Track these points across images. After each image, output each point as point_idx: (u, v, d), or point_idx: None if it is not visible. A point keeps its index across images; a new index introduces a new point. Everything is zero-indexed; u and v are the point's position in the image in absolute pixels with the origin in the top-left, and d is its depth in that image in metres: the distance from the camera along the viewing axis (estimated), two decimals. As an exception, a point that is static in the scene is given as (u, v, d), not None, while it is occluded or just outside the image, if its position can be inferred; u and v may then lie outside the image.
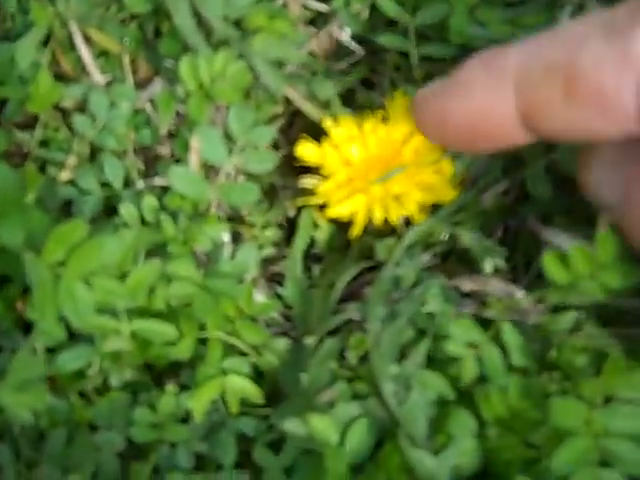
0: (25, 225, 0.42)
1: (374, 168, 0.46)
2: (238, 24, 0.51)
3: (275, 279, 0.50)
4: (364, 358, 0.42)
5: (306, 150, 0.46)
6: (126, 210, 0.46)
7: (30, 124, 0.51)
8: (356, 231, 0.46)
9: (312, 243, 0.51)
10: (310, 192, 0.47)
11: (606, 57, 0.28)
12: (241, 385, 0.44)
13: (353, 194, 0.46)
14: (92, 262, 0.41)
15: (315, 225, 0.50)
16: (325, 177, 0.46)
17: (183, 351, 0.43)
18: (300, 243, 0.50)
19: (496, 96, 0.35)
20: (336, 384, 0.41)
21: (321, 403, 0.40)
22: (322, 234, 0.50)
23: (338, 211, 0.46)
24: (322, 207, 0.47)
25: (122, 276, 0.42)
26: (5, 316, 0.44)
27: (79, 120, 0.49)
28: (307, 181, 0.47)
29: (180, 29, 0.50)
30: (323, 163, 0.46)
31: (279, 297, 0.49)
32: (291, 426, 0.39)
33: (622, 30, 0.29)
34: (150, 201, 0.46)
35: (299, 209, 0.50)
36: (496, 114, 0.35)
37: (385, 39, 0.50)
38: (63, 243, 0.41)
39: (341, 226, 0.48)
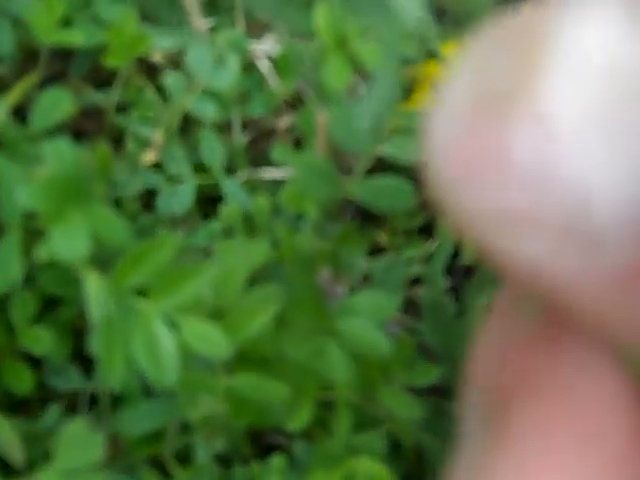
0: (90, 231, 0.32)
1: None
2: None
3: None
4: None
5: None
6: (228, 211, 0.35)
7: (105, 81, 0.41)
8: None
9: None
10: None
11: None
12: (373, 470, 0.33)
13: None
14: (181, 294, 0.30)
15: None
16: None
17: (298, 419, 0.33)
18: (441, 256, 0.40)
19: None
20: None
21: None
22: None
23: None
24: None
25: (220, 313, 0.31)
26: (57, 349, 0.33)
27: (172, 79, 0.37)
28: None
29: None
30: None
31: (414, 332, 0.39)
32: None
33: None
34: (261, 201, 0.35)
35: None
36: None
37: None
38: (144, 264, 0.31)
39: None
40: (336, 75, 0.36)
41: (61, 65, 0.41)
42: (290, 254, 0.35)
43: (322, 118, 0.36)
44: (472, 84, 0.12)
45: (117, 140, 0.41)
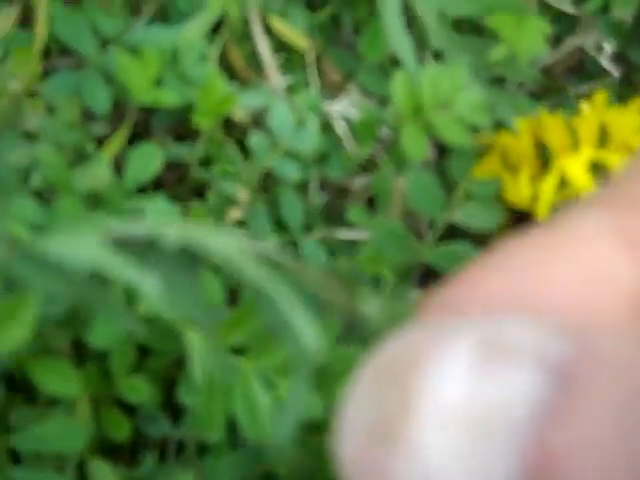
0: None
1: None
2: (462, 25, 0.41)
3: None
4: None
5: None
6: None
7: (185, 134, 0.43)
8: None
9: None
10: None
11: None
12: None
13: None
14: (277, 355, 0.33)
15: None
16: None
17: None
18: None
19: None
20: None
21: None
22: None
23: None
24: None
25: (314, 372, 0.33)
26: (151, 397, 0.36)
27: (256, 140, 0.40)
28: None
29: (388, 26, 0.41)
30: None
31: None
32: None
33: None
34: (341, 263, 0.37)
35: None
36: None
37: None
38: (243, 325, 0.33)
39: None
40: (413, 144, 0.38)
41: (145, 119, 0.44)
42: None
43: (399, 184, 0.39)
44: (364, 412, 0.13)
45: (198, 192, 0.43)
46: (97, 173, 0.36)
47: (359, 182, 0.42)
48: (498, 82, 0.43)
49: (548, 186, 0.40)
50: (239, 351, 0.33)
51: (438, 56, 0.41)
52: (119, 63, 0.39)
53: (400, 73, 0.38)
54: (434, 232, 0.39)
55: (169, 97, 0.39)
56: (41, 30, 0.37)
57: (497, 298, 0.15)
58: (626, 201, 0.15)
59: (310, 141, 0.40)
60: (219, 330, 0.33)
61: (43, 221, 0.36)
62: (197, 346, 0.33)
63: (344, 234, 0.40)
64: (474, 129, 0.38)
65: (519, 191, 0.40)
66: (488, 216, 0.39)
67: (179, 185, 0.43)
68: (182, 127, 0.44)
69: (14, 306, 0.31)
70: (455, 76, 0.37)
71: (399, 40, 0.39)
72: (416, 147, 0.38)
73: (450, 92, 0.38)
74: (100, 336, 0.35)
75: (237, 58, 0.44)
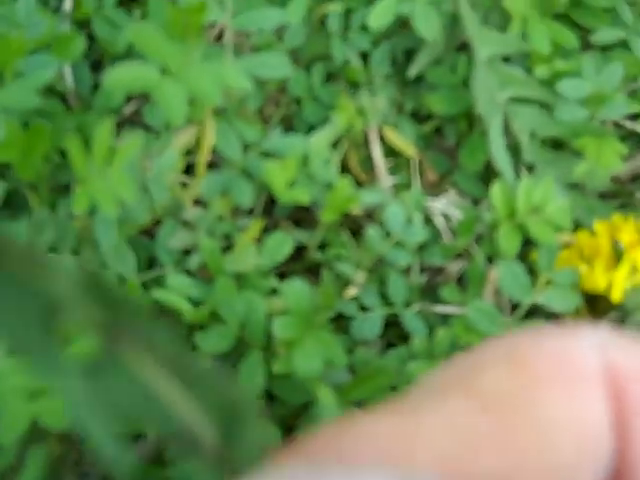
0: (321, 354, 0.42)
1: None
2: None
3: None
4: None
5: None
6: (417, 343, 0.44)
7: (301, 218, 0.51)
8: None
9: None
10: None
11: None
12: None
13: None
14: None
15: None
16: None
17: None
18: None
19: None
20: None
21: None
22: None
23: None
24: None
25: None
26: (277, 438, 0.43)
27: (373, 232, 0.48)
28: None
29: (492, 143, 0.49)
30: None
31: None
32: None
33: None
34: (442, 333, 0.45)
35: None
36: None
37: None
38: (367, 384, 0.40)
39: None
40: (507, 241, 0.45)
41: (269, 208, 0.52)
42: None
43: (493, 273, 0.46)
44: None
45: (313, 270, 0.51)
46: (243, 258, 0.45)
47: (453, 267, 0.49)
48: (576, 187, 0.51)
49: (621, 274, 0.46)
50: (360, 404, 0.41)
51: (530, 168, 0.49)
52: (264, 167, 0.48)
53: (499, 182, 0.46)
54: (519, 311, 0.46)
55: (303, 196, 0.48)
56: (209, 142, 0.46)
57: (355, 450, 0.15)
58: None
59: (417, 234, 0.48)
60: (346, 387, 0.41)
61: (200, 296, 0.45)
62: (327, 401, 0.40)
63: (439, 309, 0.48)
64: (558, 229, 0.46)
65: (595, 279, 0.47)
66: (567, 300, 0.46)
67: (294, 263, 0.51)
68: (299, 214, 0.52)
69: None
70: (546, 188, 0.45)
71: (500, 155, 0.47)
72: (509, 243, 0.45)
73: (541, 201, 0.45)
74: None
75: (354, 161, 0.52)
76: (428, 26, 0.51)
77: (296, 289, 0.44)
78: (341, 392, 0.41)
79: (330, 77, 0.55)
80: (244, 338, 0.43)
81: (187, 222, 0.47)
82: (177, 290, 0.44)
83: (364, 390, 0.41)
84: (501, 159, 0.48)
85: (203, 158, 0.46)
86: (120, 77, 0.41)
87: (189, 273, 0.46)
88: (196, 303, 0.44)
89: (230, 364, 0.45)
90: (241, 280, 0.45)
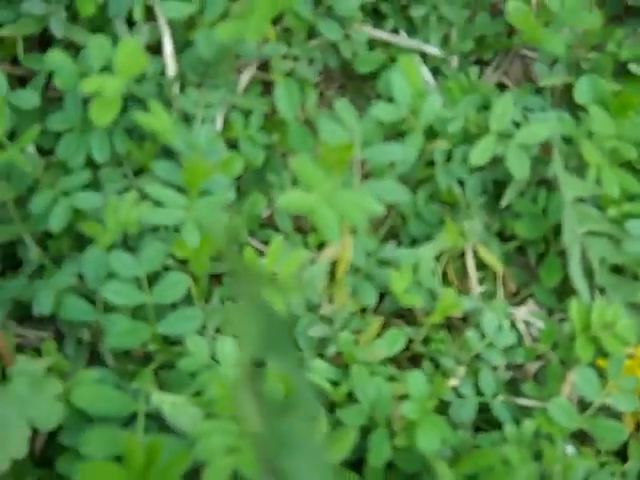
0: (438, 433, 0.52)
1: None
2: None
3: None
4: None
5: None
6: (509, 430, 0.55)
7: (403, 315, 0.63)
8: None
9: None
10: None
11: None
12: None
13: None
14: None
15: None
16: None
17: None
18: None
19: None
20: None
21: None
22: None
23: None
24: None
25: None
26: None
27: (471, 334, 0.59)
28: None
29: (571, 267, 0.60)
30: None
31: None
32: None
33: None
34: (527, 424, 0.55)
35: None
36: None
37: None
38: (477, 460, 0.51)
39: None
40: (583, 350, 0.57)
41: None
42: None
43: (570, 375, 0.57)
44: None
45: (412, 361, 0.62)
46: (371, 349, 0.56)
47: (532, 366, 0.61)
48: (638, 307, 0.62)
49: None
50: (472, 478, 0.51)
51: (601, 290, 0.60)
52: (383, 274, 0.59)
53: (575, 300, 0.58)
54: (592, 409, 0.56)
55: (417, 300, 0.59)
56: (348, 256, 0.57)
57: None
58: None
59: (507, 337, 0.59)
60: (459, 463, 0.52)
61: (337, 378, 0.55)
62: (442, 470, 0.51)
63: (521, 401, 0.59)
64: (625, 343, 0.57)
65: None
66: (630, 402, 0.57)
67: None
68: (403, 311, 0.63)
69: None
70: (616, 308, 0.56)
71: (578, 277, 0.59)
72: (585, 352, 0.56)
73: (612, 319, 0.57)
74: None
75: (450, 271, 0.64)
76: (519, 166, 0.63)
77: (417, 379, 0.54)
78: (450, 465, 0.52)
79: (431, 199, 0.66)
80: (374, 417, 0.54)
81: (324, 316, 0.58)
82: (319, 373, 0.55)
83: (468, 466, 0.51)
84: (578, 281, 0.60)
85: (343, 267, 0.57)
86: (290, 200, 0.52)
87: (323, 357, 0.57)
88: (333, 384, 0.55)
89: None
90: (367, 366, 0.56)
